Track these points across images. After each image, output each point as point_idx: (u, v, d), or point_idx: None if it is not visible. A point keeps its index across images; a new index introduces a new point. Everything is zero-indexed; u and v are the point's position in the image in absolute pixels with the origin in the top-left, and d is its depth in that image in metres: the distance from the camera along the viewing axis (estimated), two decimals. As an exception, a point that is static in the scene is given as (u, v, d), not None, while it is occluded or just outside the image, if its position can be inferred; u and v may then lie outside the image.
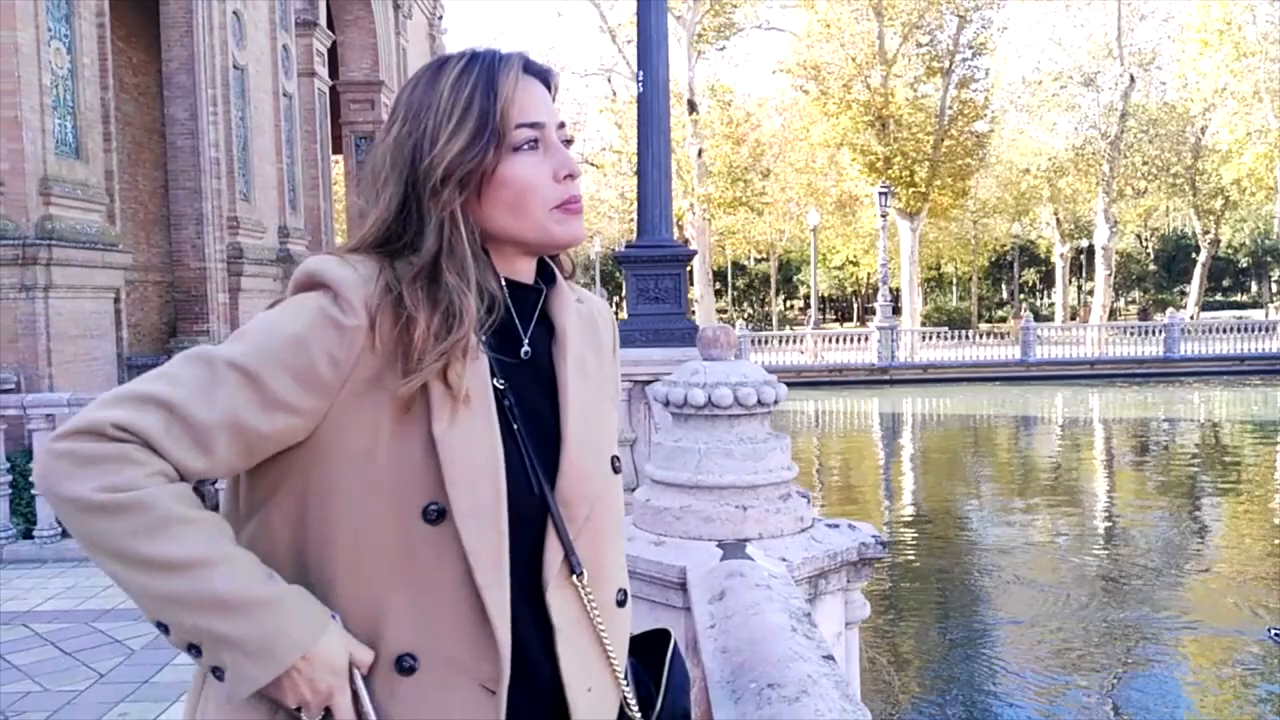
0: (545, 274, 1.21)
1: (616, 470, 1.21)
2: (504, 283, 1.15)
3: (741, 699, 1.46)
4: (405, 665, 1.04)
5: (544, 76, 1.17)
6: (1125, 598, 9.67)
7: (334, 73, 20.13)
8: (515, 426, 1.09)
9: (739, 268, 56.61)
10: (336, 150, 21.09)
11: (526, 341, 1.16)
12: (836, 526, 2.63)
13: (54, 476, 0.98)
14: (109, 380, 9.93)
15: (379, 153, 1.13)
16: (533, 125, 1.12)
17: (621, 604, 1.20)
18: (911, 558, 11.44)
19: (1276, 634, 7.77)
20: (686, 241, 30.54)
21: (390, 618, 1.04)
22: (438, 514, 1.02)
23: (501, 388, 1.10)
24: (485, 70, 1.11)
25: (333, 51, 19.79)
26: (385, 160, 1.12)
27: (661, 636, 1.29)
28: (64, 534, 6.80)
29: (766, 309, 54.28)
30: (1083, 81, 38.67)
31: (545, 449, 1.12)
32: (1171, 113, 40.72)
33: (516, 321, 1.15)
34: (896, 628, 9.10)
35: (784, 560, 2.30)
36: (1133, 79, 37.86)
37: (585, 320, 1.24)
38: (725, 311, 49.85)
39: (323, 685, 1.01)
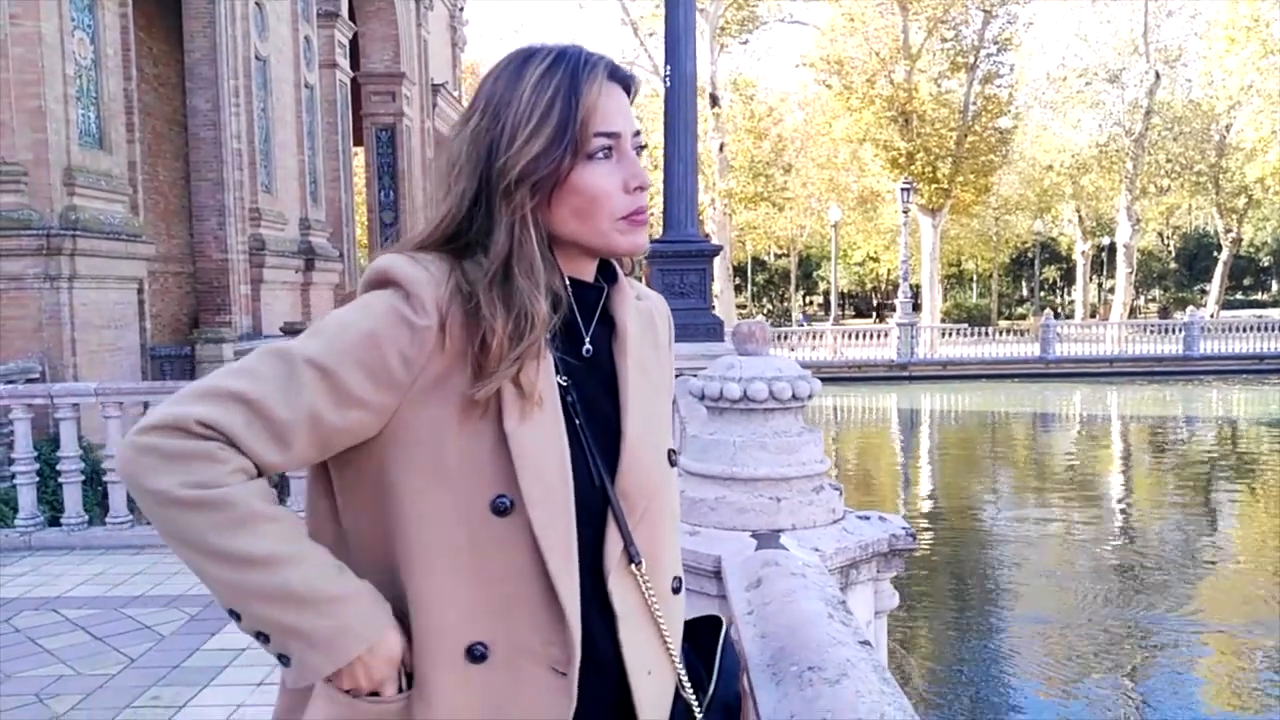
0: (606, 272, 1.23)
1: (673, 464, 1.24)
2: (568, 282, 1.16)
3: (783, 681, 1.47)
4: (477, 653, 1.08)
5: (626, 83, 1.17)
6: (1142, 594, 9.65)
7: (355, 64, 20.21)
8: (578, 422, 1.13)
9: (759, 263, 56.50)
10: (357, 142, 21.17)
11: (588, 340, 1.18)
12: (867, 518, 2.64)
13: (139, 469, 1.01)
14: (133, 371, 10.04)
15: (456, 143, 1.14)
16: (610, 134, 1.12)
17: (677, 591, 1.24)
18: (928, 551, 11.42)
19: None
20: (707, 236, 30.52)
21: (460, 607, 1.07)
22: (507, 506, 1.06)
23: (565, 384, 1.13)
24: (570, 73, 1.11)
25: (354, 43, 19.87)
26: (461, 153, 1.13)
27: (714, 623, 1.34)
28: (90, 522, 6.89)
29: (786, 305, 54.18)
30: (1108, 78, 38.40)
31: (605, 443, 1.15)
32: (1196, 110, 40.34)
33: (579, 320, 1.18)
34: (913, 618, 9.11)
35: (817, 550, 2.31)
36: (1158, 76, 37.56)
37: (644, 317, 1.26)
38: (745, 307, 49.79)
39: (378, 675, 1.06)
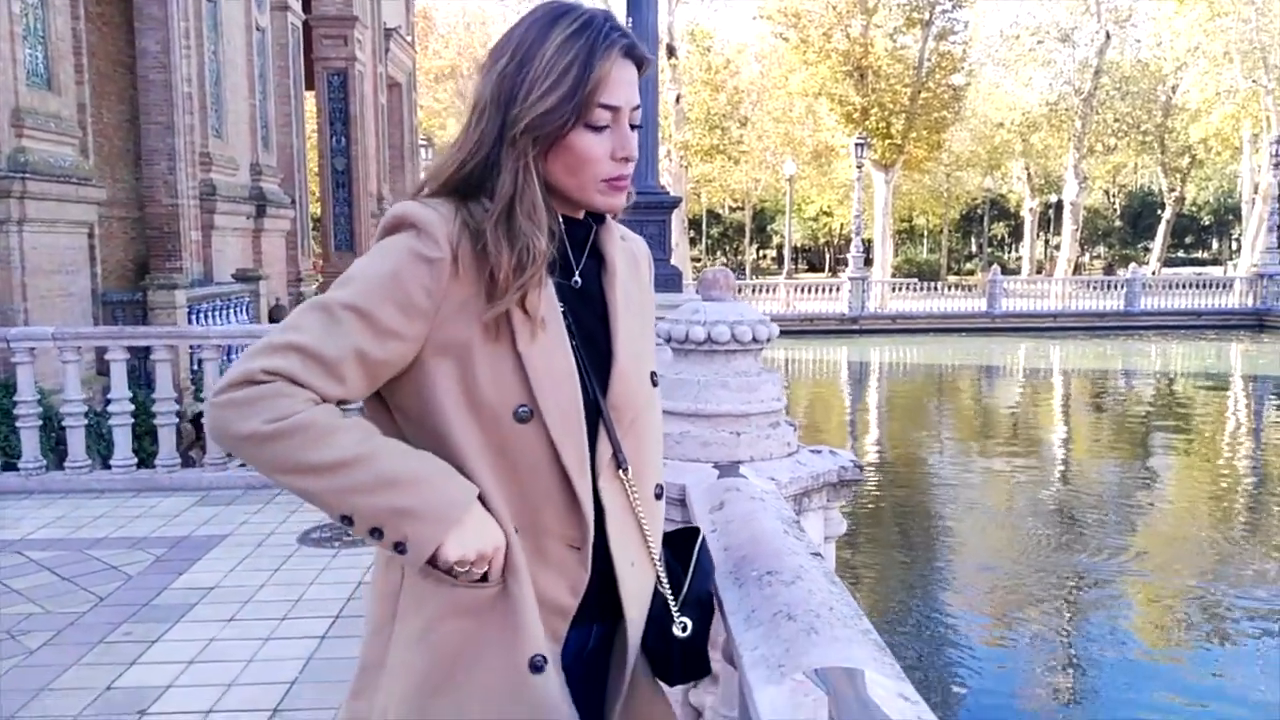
0: (595, 214, 1.38)
1: (655, 384, 1.42)
2: (560, 220, 1.32)
3: (744, 584, 1.65)
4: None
5: (640, 62, 1.30)
6: (1081, 537, 10.02)
7: (306, 7, 19.72)
8: (573, 343, 1.29)
9: (714, 216, 56.54)
10: (309, 86, 20.72)
11: (578, 272, 1.35)
12: (819, 452, 2.84)
13: (225, 421, 1.17)
14: (84, 316, 9.90)
15: (483, 83, 1.29)
16: (611, 107, 1.26)
17: (659, 497, 1.42)
18: (876, 496, 11.79)
19: None
20: (664, 189, 30.48)
21: (492, 498, 1.24)
22: (527, 415, 1.23)
23: (562, 309, 1.30)
24: (589, 45, 1.24)
25: (305, -15, 19.37)
26: (487, 92, 1.27)
27: (692, 532, 1.52)
28: (48, 467, 6.89)
29: (740, 258, 54.39)
30: (1059, 37, 38.82)
31: (596, 363, 1.32)
32: (1144, 71, 40.99)
33: (570, 254, 1.34)
34: (858, 560, 9.44)
35: (773, 479, 2.50)
36: (1108, 36, 38.04)
37: (628, 256, 1.43)
38: (699, 260, 49.89)
39: (490, 535, 1.22)
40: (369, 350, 1.19)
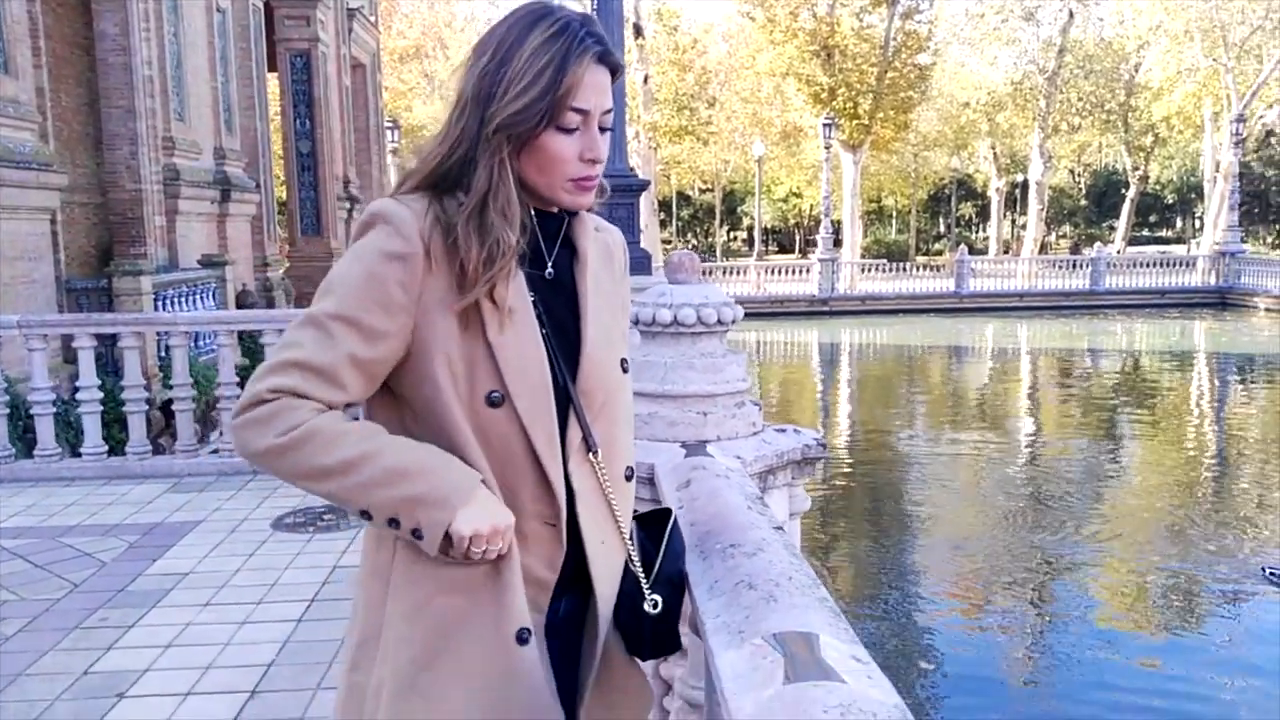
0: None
1: (625, 370, 1.49)
2: (534, 213, 1.39)
3: (709, 556, 1.73)
4: None
5: (614, 68, 1.37)
6: (1049, 515, 10.18)
7: (268, -12, 19.44)
8: (544, 331, 1.36)
9: (684, 198, 56.51)
10: (271, 68, 20.46)
11: (550, 263, 1.41)
12: (784, 431, 2.93)
13: (245, 440, 1.27)
14: (49, 303, 9.80)
15: (465, 78, 1.35)
16: (581, 111, 1.33)
17: (629, 478, 1.50)
18: (846, 477, 11.96)
19: (1272, 573, 7.95)
20: (633, 170, 30.42)
21: (487, 481, 1.32)
22: (499, 399, 1.31)
23: (533, 299, 1.36)
24: (564, 49, 1.31)
25: (267, -35, 19.08)
26: (468, 89, 1.34)
27: (665, 513, 1.59)
28: (16, 455, 6.85)
29: (710, 240, 54.45)
30: (1023, 15, 39.01)
31: (567, 350, 1.39)
32: (1107, 49, 41.33)
33: (543, 246, 1.41)
34: (831, 540, 9.58)
35: (739, 458, 2.58)
36: (1071, 14, 38.32)
37: (601, 246, 1.50)
38: (670, 242, 49.88)
39: (500, 512, 1.30)
40: (361, 353, 1.28)
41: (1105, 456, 13.36)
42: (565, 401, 1.37)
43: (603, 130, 1.37)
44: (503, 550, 1.31)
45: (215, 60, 15.20)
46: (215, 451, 7.08)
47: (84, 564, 5.01)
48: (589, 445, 1.39)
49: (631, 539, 1.49)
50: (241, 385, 6.98)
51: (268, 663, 3.81)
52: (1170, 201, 57.25)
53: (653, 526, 1.56)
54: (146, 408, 7.04)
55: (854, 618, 7.71)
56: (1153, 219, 59.67)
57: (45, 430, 6.78)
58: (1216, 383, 19.64)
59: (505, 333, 1.31)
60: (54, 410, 6.89)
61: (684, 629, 1.85)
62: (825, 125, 30.95)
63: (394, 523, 1.28)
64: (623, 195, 7.11)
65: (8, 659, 3.87)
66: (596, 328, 1.42)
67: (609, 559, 1.45)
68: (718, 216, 53.89)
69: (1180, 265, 31.76)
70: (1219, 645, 7.19)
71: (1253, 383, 19.69)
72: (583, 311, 1.42)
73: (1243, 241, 32.74)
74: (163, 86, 12.90)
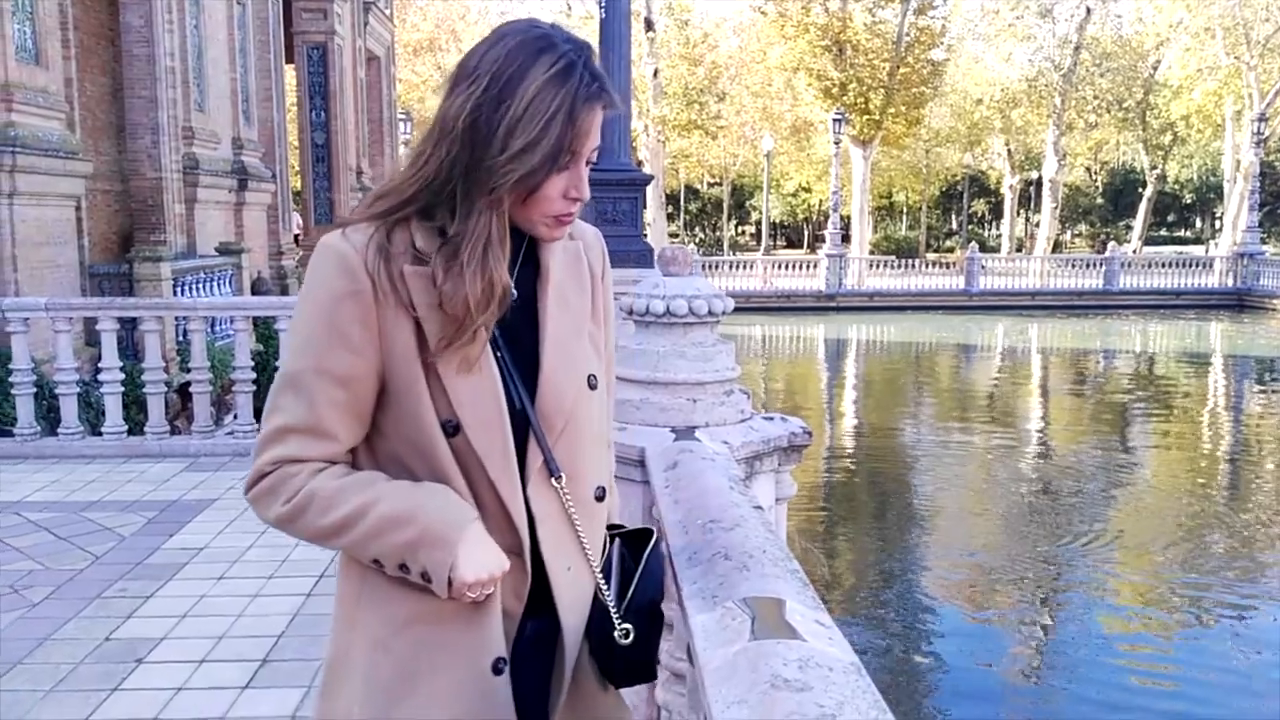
0: None
1: (593, 386, 1.42)
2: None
3: (690, 531, 1.90)
4: None
5: (611, 110, 1.33)
6: (1058, 517, 10.03)
7: (287, -21, 19.65)
8: (499, 354, 1.33)
9: (692, 192, 56.51)
10: (288, 60, 20.68)
11: (513, 284, 1.33)
12: (771, 419, 3.10)
13: (260, 513, 1.33)
14: (73, 288, 10.04)
15: (453, 97, 1.27)
16: (577, 154, 1.30)
17: (600, 499, 1.46)
18: (851, 473, 12.04)
19: None
20: (640, 164, 30.52)
21: None
22: (454, 429, 1.29)
23: None
24: (571, 95, 1.25)
25: (285, -43, 19.28)
26: (456, 120, 1.25)
27: (646, 533, 1.54)
28: (42, 433, 7.07)
29: (718, 234, 54.47)
30: (1039, 12, 38.81)
31: (526, 371, 1.35)
32: (1125, 47, 41.05)
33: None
34: (835, 537, 9.56)
35: (726, 443, 2.75)
36: (1089, 11, 38.12)
37: (570, 255, 1.44)
38: (677, 236, 50.01)
39: (497, 564, 1.29)
40: (340, 399, 1.29)
41: (1115, 457, 13.15)
42: (525, 425, 1.33)
43: (587, 164, 1.33)
44: (491, 591, 1.31)
45: (234, 52, 15.42)
46: (230, 433, 7.29)
47: (105, 538, 5.21)
48: (550, 470, 1.35)
49: (609, 560, 1.46)
50: (256, 369, 7.24)
51: (278, 633, 4.00)
52: (1189, 201, 56.72)
53: (636, 544, 1.51)
54: (165, 389, 7.26)
55: (855, 613, 7.67)
56: (1170, 219, 59.12)
57: (69, 409, 7.00)
58: (1232, 385, 19.35)
59: (460, 369, 1.29)
60: (77, 390, 7.12)
61: (667, 606, 1.98)
62: (835, 120, 30.91)
63: (404, 568, 1.28)
64: (626, 189, 7.17)
65: (34, 625, 4.07)
66: (556, 350, 1.37)
67: (575, 586, 1.40)
68: (726, 210, 53.90)
69: (1197, 266, 31.36)
70: (1228, 653, 7.05)
71: (1270, 387, 19.39)
72: (542, 331, 1.37)
73: (1263, 243, 32.47)
74: (184, 77, 13.13)
